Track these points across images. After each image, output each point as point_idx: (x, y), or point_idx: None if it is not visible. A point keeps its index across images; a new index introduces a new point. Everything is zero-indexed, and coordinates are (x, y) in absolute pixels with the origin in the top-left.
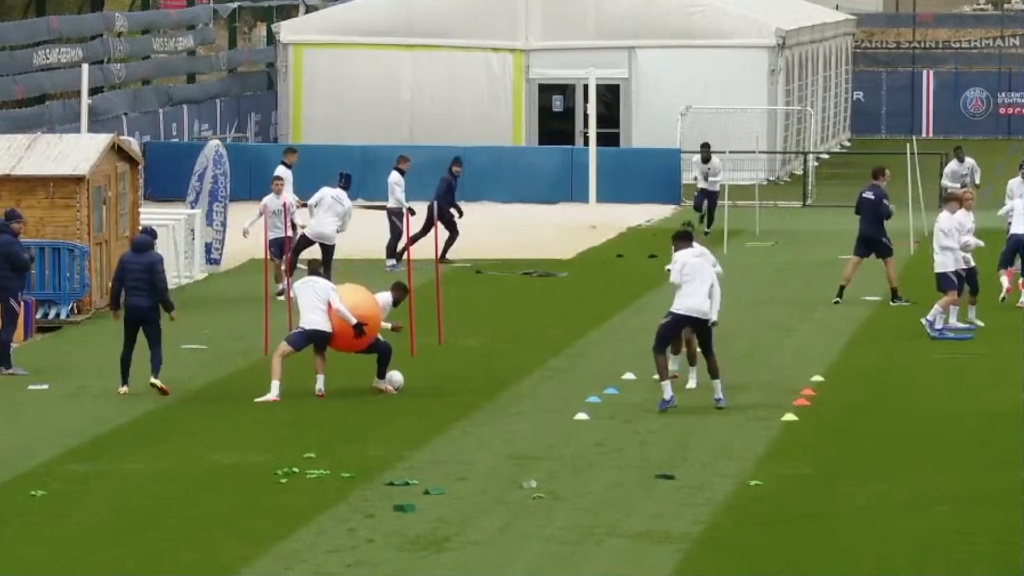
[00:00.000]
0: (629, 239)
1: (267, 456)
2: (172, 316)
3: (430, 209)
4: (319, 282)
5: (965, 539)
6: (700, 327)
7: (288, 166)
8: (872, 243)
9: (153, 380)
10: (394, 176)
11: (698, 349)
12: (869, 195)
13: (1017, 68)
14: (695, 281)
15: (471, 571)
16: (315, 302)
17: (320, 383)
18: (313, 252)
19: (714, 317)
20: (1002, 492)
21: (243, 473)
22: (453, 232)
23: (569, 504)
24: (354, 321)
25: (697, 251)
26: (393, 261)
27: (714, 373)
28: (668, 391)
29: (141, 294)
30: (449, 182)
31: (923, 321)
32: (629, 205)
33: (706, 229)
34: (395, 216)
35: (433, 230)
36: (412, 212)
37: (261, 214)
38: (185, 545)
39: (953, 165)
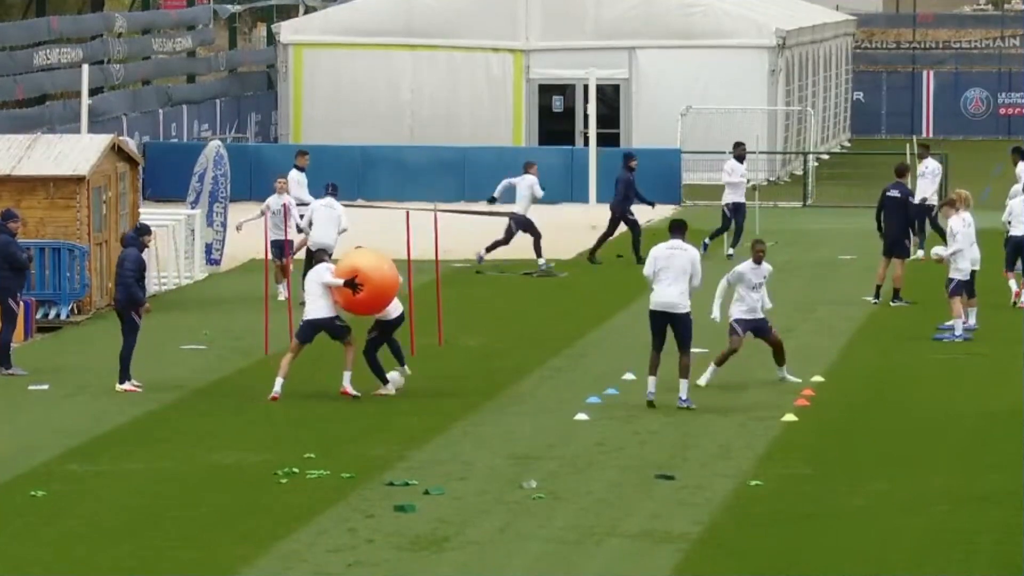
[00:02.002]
0: (629, 239)
1: (267, 456)
2: (146, 308)
3: (613, 210)
4: (318, 270)
5: (965, 539)
6: (673, 321)
7: (301, 169)
8: (894, 243)
9: (117, 387)
10: (529, 179)
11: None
12: (895, 193)
13: (1017, 68)
14: (665, 273)
15: (471, 571)
16: (315, 291)
17: (346, 380)
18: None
19: (684, 306)
20: (1002, 492)
21: (243, 473)
22: (636, 229)
23: (569, 504)
24: (341, 282)
25: (670, 243)
26: (543, 260)
27: (683, 372)
28: (650, 386)
29: (118, 287)
30: (628, 180)
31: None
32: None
33: (731, 250)
34: (514, 221)
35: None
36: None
37: (262, 213)
38: (185, 545)
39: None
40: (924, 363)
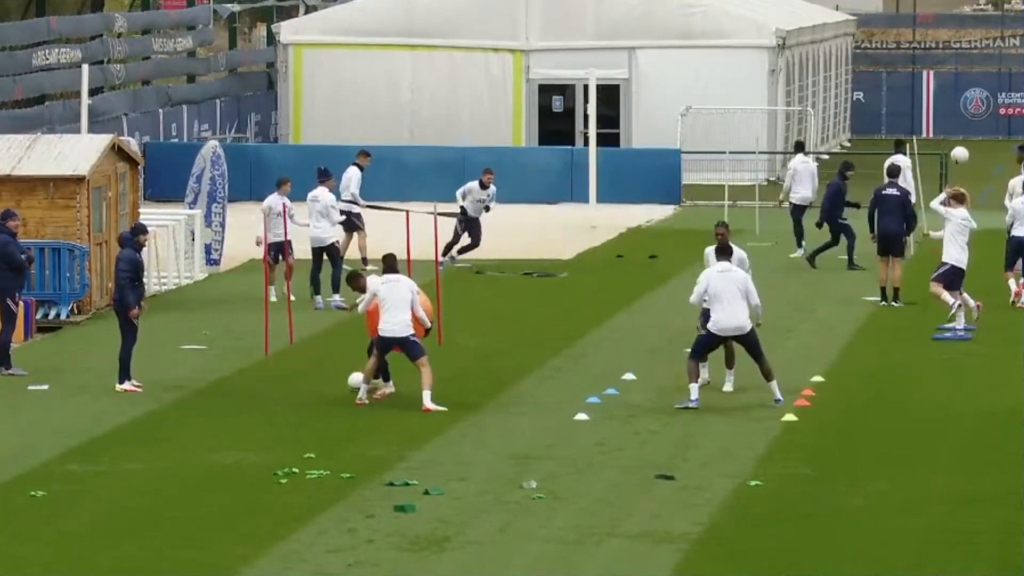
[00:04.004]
0: (629, 239)
1: (267, 456)
2: (132, 314)
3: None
4: (402, 283)
5: (965, 539)
6: (741, 340)
7: (361, 168)
8: (892, 241)
9: (117, 387)
10: (471, 185)
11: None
12: (892, 191)
13: (1017, 68)
14: (723, 299)
15: (471, 571)
16: (398, 305)
17: (426, 398)
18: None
19: (750, 323)
20: (1002, 492)
21: (243, 473)
22: (850, 237)
23: (569, 504)
24: (429, 325)
25: (722, 267)
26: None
27: (767, 376)
28: (695, 392)
29: (115, 287)
30: (839, 187)
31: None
32: (629, 205)
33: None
34: (463, 217)
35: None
36: (487, 209)
37: (274, 215)
38: (185, 545)
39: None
40: (924, 363)
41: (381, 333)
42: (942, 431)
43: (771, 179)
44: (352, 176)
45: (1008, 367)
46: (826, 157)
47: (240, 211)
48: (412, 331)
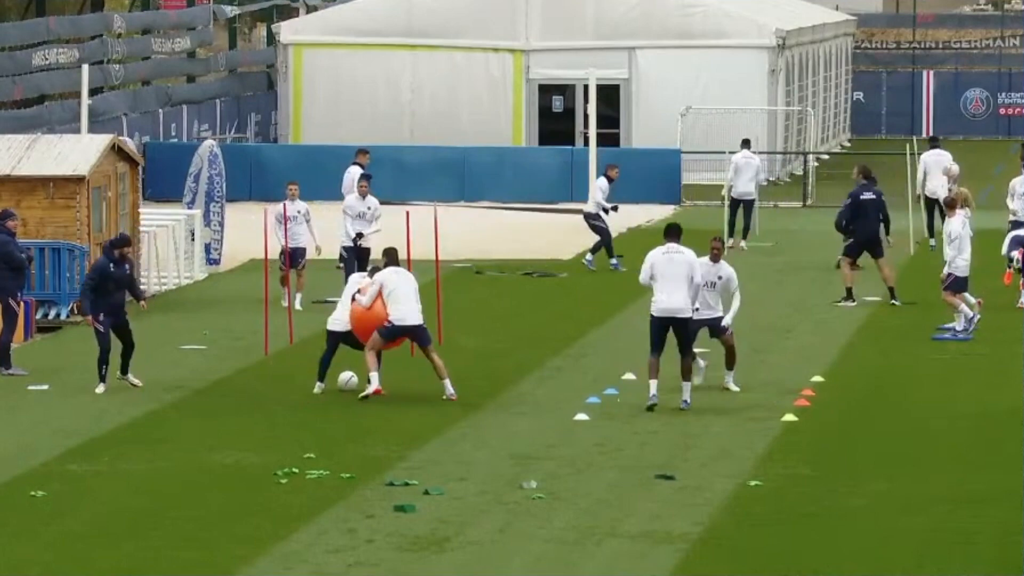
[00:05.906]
0: (629, 239)
1: (267, 456)
2: (95, 320)
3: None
4: (409, 275)
5: (965, 539)
6: (676, 325)
7: (362, 166)
8: (874, 243)
9: (119, 376)
10: (601, 182)
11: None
12: (871, 195)
13: (1017, 68)
14: (666, 280)
15: (471, 571)
16: (407, 295)
17: (448, 386)
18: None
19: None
20: (1001, 492)
21: (243, 473)
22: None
23: (569, 504)
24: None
25: (666, 248)
26: (615, 260)
27: (686, 374)
28: (652, 389)
29: None
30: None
31: (957, 332)
32: (629, 205)
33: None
34: (592, 219)
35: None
36: (615, 209)
37: (280, 222)
38: (185, 545)
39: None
40: (924, 363)
41: (393, 322)
42: (942, 431)
43: (771, 179)
44: (354, 176)
45: (1008, 367)
46: (826, 157)
47: (240, 211)
48: (420, 320)
